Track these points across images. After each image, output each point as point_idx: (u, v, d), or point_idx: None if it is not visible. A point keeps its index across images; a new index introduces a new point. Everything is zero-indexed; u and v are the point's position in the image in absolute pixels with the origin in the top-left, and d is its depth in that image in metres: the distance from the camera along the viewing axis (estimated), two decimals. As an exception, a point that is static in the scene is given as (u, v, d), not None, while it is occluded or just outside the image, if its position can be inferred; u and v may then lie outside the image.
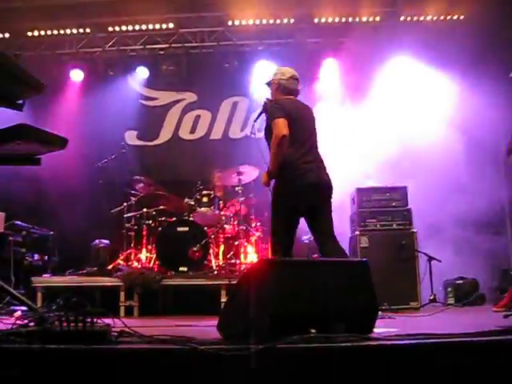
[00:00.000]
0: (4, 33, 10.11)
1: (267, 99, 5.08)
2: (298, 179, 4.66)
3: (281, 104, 4.86)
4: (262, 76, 9.74)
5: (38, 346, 2.23)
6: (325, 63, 9.90)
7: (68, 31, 10.06)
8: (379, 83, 9.23)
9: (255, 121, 5.28)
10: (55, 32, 10.07)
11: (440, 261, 7.21)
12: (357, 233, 7.26)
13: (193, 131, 10.37)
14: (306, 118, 5.04)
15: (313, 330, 2.50)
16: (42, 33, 10.08)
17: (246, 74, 10.06)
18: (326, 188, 4.85)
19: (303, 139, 4.83)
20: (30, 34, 10.11)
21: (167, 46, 10.24)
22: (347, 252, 5.04)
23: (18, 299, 3.77)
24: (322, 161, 4.91)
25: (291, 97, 5.09)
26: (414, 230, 7.28)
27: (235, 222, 7.99)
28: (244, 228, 7.84)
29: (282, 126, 4.64)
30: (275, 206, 4.78)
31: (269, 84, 5.27)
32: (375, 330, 2.97)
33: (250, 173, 8.05)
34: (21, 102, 3.48)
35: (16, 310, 5.04)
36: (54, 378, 2.22)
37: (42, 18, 9.76)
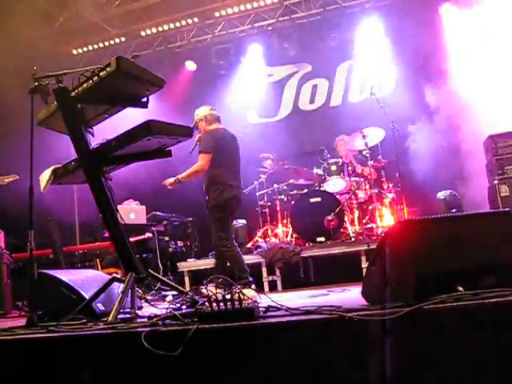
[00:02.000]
0: (120, 37, 10.59)
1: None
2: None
3: (212, 134, 6.00)
4: (372, 34, 9.50)
5: (193, 327, 2.33)
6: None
7: (178, 24, 10.34)
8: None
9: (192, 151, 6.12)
10: (166, 27, 10.40)
11: None
12: (495, 182, 6.88)
13: (312, 101, 10.31)
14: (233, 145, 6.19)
15: (460, 288, 2.41)
16: (154, 30, 10.45)
17: (356, 36, 9.80)
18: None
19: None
20: (143, 33, 10.51)
21: (274, 20, 10.22)
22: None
23: (169, 285, 3.97)
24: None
25: (219, 125, 6.19)
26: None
27: (367, 187, 7.87)
28: (376, 191, 7.71)
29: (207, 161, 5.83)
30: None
31: (196, 127, 6.09)
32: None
33: (376, 134, 7.89)
34: (145, 99, 3.64)
35: (167, 296, 5.34)
36: (209, 356, 2.31)
37: (152, 17, 10.11)
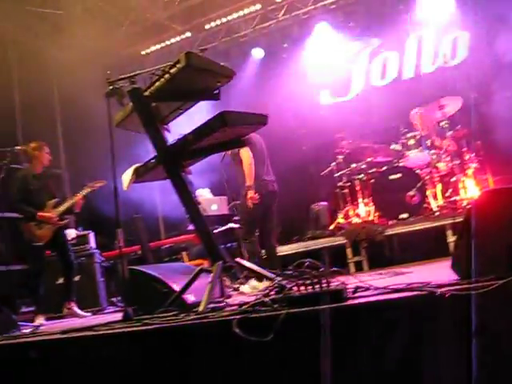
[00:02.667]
0: (185, 33, 10.75)
1: None
2: None
3: None
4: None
5: (283, 312, 2.35)
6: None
7: (241, 13, 10.37)
8: None
9: None
10: (229, 18, 10.46)
11: None
12: None
13: (383, 76, 10.09)
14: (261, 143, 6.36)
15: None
16: (218, 22, 10.54)
17: (424, 4, 9.48)
18: None
19: None
20: (207, 26, 10.62)
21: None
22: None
23: (255, 272, 4.01)
24: None
25: None
26: None
27: (447, 159, 7.63)
28: (458, 162, 7.47)
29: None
30: None
31: None
32: None
33: (453, 104, 7.64)
34: (217, 91, 3.68)
35: (254, 283, 5.40)
36: (300, 340, 2.33)
37: (215, 9, 10.20)
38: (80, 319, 6.14)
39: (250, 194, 6.06)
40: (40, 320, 6.12)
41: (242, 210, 6.41)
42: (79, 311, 6.45)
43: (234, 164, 6.31)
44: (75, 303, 6.52)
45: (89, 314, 6.67)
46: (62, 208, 6.53)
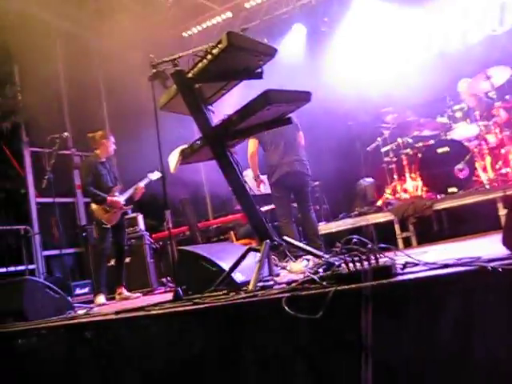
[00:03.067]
0: (226, 13, 10.73)
1: None
2: None
3: None
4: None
5: (332, 289, 2.36)
6: None
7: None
8: None
9: None
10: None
11: None
12: None
13: (429, 47, 9.86)
14: None
15: None
16: (258, 1, 10.47)
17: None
18: None
19: None
20: (247, 5, 10.57)
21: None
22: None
23: (303, 249, 4.03)
24: None
25: None
26: None
27: (497, 130, 7.43)
28: (508, 134, 7.27)
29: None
30: None
31: None
32: None
33: (501, 73, 7.41)
34: (259, 70, 3.67)
35: (303, 261, 5.42)
36: (349, 316, 2.33)
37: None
38: (132, 300, 6.30)
39: (258, 183, 6.57)
40: (101, 299, 6.32)
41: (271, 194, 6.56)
42: (129, 294, 6.63)
43: None
44: (125, 287, 6.71)
45: (139, 294, 6.84)
46: (126, 195, 6.86)
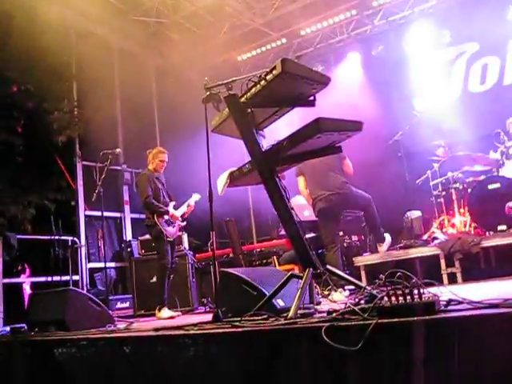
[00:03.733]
0: (281, 39, 10.86)
1: None
2: None
3: None
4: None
5: (373, 322, 2.33)
6: None
7: (336, 19, 10.36)
8: None
9: None
10: (325, 24, 10.47)
11: None
12: None
13: (483, 82, 9.75)
14: None
15: None
16: (314, 28, 10.58)
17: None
18: None
19: None
20: (303, 33, 10.67)
21: (435, 2, 9.86)
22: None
23: (346, 280, 3.99)
24: None
25: None
26: None
27: (551, 167, 7.29)
28: None
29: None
30: None
31: None
32: None
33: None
34: (312, 98, 3.69)
35: (345, 290, 5.39)
36: (390, 351, 2.29)
37: (310, 15, 10.24)
38: (171, 318, 6.31)
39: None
40: (167, 313, 6.43)
41: None
42: (169, 312, 6.59)
43: None
44: (165, 306, 6.66)
45: (179, 313, 6.85)
46: (180, 211, 7.00)
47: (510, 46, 9.47)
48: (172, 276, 7.16)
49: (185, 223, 7.12)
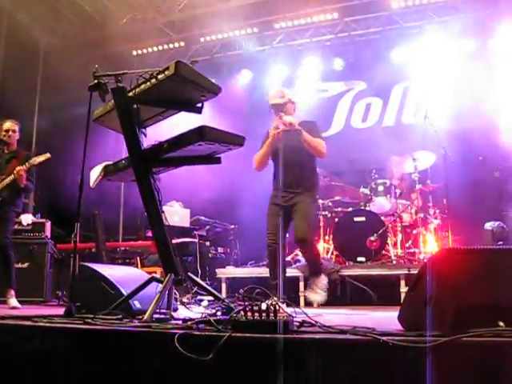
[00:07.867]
0: (180, 42, 10.80)
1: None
2: None
3: None
4: (434, 55, 9.39)
5: (226, 334, 2.35)
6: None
7: (237, 33, 10.47)
8: None
9: None
10: (225, 35, 10.55)
11: None
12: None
13: (364, 119, 10.27)
14: None
15: (501, 323, 2.34)
16: (214, 37, 10.62)
17: (415, 57, 9.71)
18: None
19: None
20: (202, 39, 10.69)
21: (333, 36, 10.24)
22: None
23: (206, 290, 3.99)
24: None
25: None
26: None
27: (412, 210, 7.77)
28: (422, 216, 7.59)
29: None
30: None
31: (278, 106, 5.67)
32: None
33: (426, 158, 7.79)
34: (200, 105, 3.68)
35: (203, 300, 5.37)
36: (239, 365, 2.32)
37: (213, 24, 10.27)
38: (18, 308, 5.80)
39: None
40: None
41: None
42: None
43: None
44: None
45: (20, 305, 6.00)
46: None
47: (393, 91, 10.06)
48: (28, 264, 6.77)
49: None
